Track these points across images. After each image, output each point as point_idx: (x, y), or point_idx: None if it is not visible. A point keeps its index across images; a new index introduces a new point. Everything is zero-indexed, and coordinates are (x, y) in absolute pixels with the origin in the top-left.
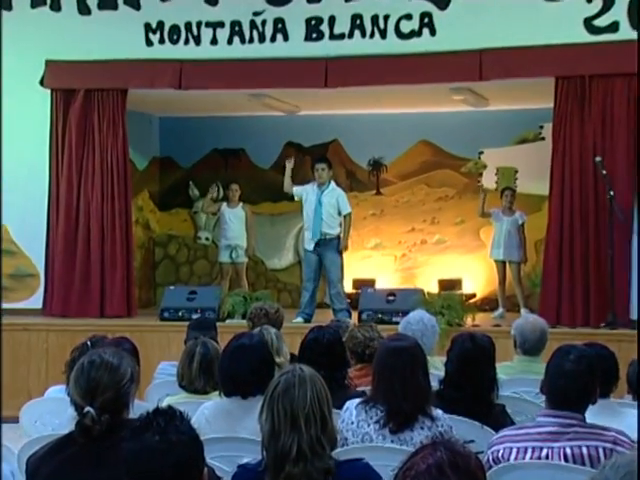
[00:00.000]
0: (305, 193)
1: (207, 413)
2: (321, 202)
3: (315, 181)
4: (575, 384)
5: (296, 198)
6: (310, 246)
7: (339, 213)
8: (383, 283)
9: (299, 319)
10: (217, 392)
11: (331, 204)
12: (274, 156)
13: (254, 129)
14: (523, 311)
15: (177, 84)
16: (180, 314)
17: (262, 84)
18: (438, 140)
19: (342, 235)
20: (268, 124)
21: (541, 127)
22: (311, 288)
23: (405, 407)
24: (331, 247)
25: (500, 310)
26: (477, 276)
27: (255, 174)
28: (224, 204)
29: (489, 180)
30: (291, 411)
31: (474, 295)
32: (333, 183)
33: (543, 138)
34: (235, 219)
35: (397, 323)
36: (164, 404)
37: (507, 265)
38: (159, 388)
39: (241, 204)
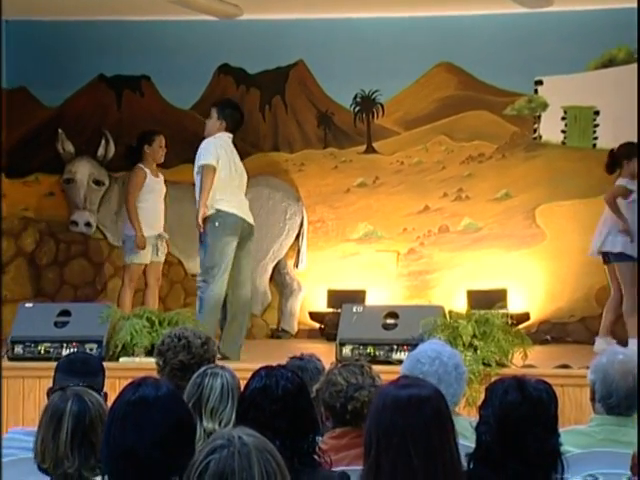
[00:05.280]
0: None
1: None
2: None
3: None
4: None
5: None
6: None
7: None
8: (378, 297)
9: None
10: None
11: None
12: (199, 89)
13: (166, 44)
14: (632, 343)
15: None
16: (42, 349)
17: None
18: (468, 63)
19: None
20: (189, 36)
21: None
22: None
23: None
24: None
25: (604, 340)
26: (532, 286)
27: (167, 117)
28: (147, 170)
29: (552, 128)
30: None
31: (527, 316)
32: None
33: None
34: (160, 194)
35: (400, 362)
36: None
37: None
38: (8, 471)
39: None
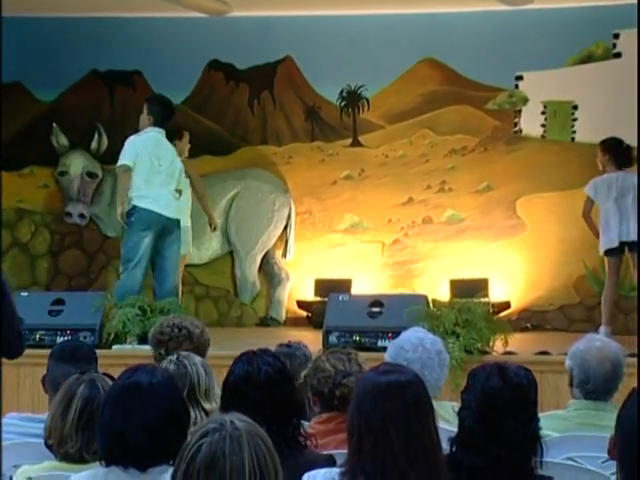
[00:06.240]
0: None
1: None
2: None
3: None
4: None
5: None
6: None
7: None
8: (363, 286)
9: None
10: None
11: None
12: (190, 84)
13: (157, 40)
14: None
15: None
16: (37, 337)
17: None
18: (451, 59)
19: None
20: (180, 33)
21: (616, 36)
22: None
23: (414, 478)
24: None
25: (603, 329)
26: (513, 275)
27: None
28: None
29: (532, 122)
30: None
31: (508, 305)
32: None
33: (619, 54)
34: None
35: (385, 349)
36: (17, 476)
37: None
38: (4, 455)
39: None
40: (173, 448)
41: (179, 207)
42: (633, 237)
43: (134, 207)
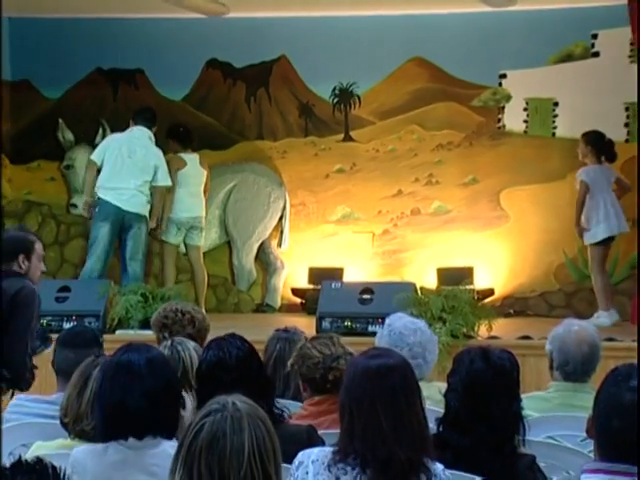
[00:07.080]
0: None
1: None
2: None
3: None
4: (637, 424)
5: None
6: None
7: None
8: (355, 274)
9: None
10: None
11: None
12: (189, 81)
13: (158, 40)
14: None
15: None
16: (44, 322)
17: None
18: (438, 58)
19: None
20: (180, 33)
21: (594, 36)
22: None
23: (402, 457)
24: None
25: (605, 313)
26: (497, 263)
27: (160, 108)
28: (185, 155)
29: (515, 118)
30: (220, 474)
31: (492, 292)
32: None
33: (597, 54)
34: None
35: (375, 334)
36: (31, 452)
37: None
38: (11, 435)
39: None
40: (167, 419)
41: (143, 202)
42: (624, 230)
43: (98, 199)
